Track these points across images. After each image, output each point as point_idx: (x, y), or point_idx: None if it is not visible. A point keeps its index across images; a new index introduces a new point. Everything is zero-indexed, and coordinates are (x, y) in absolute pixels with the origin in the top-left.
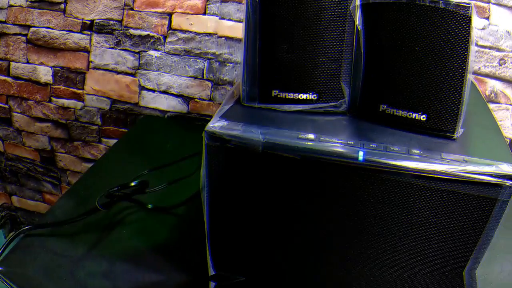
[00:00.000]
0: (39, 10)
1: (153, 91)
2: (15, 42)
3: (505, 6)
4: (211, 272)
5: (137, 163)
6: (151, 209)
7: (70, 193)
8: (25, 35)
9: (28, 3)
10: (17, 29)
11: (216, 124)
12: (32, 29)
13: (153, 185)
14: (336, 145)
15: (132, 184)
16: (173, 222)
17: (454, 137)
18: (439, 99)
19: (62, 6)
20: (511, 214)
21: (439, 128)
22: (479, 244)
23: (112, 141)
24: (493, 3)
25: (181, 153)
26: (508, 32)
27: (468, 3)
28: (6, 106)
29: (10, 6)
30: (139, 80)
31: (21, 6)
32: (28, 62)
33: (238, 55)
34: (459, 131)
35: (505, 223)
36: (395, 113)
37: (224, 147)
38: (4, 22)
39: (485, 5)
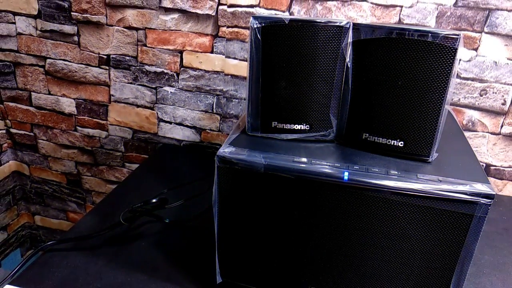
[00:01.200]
0: (52, 41)
1: (170, 123)
2: (33, 73)
3: (498, 34)
4: (218, 280)
5: (156, 184)
6: (168, 223)
7: (94, 211)
8: (43, 66)
9: (38, 32)
10: (32, 60)
11: (225, 150)
12: (48, 60)
13: (171, 201)
14: (325, 167)
15: (154, 200)
16: (186, 234)
17: (429, 161)
18: (416, 128)
19: (75, 38)
20: (494, 232)
21: (415, 153)
22: (461, 258)
23: (134, 166)
24: (486, 32)
25: (195, 176)
26: (495, 62)
27: (458, 34)
28: (32, 134)
29: (19, 34)
30: (157, 113)
31: (31, 35)
32: (50, 94)
33: (242, 92)
34: (434, 155)
35: (488, 242)
36: (375, 140)
37: (232, 168)
38: (17, 52)
39: (477, 35)
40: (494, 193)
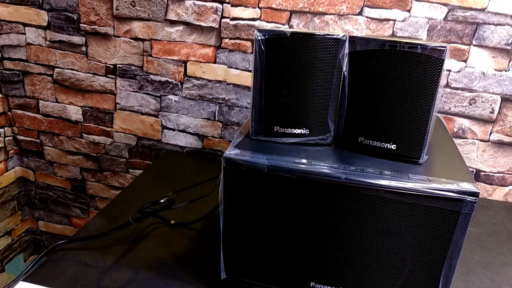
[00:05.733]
0: (61, 51)
1: (173, 130)
2: (41, 81)
3: (486, 47)
4: (223, 276)
5: (161, 188)
6: (173, 224)
7: (101, 213)
8: (51, 75)
9: (47, 42)
10: (41, 69)
11: (231, 152)
12: (56, 69)
13: (177, 203)
14: (324, 167)
15: (162, 201)
16: (191, 235)
17: (419, 162)
18: (407, 132)
19: (83, 48)
20: (484, 234)
21: (407, 155)
22: (449, 252)
23: (138, 171)
24: (474, 45)
25: (198, 180)
26: (484, 73)
27: (444, 46)
28: (38, 141)
29: (29, 44)
30: (161, 121)
31: (40, 45)
32: (57, 102)
33: (244, 100)
34: (424, 157)
35: (478, 243)
36: (370, 144)
37: (237, 169)
38: (26, 61)
39: (466, 47)
40: (479, 191)
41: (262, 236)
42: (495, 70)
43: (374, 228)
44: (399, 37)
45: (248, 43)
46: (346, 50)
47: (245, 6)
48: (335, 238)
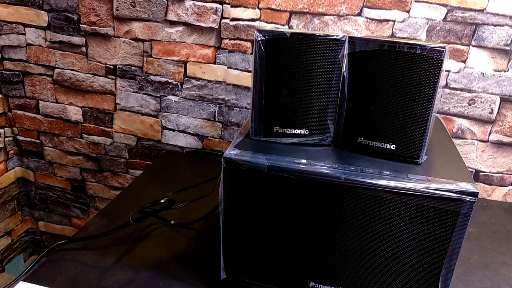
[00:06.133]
0: (61, 52)
1: (173, 130)
2: (41, 82)
3: (485, 47)
4: (223, 276)
5: (161, 189)
6: (173, 224)
7: (101, 213)
8: (51, 76)
9: (47, 43)
10: (41, 69)
11: (231, 152)
12: (56, 70)
13: (177, 203)
14: (323, 167)
15: (162, 201)
16: (191, 235)
17: (418, 163)
18: (406, 132)
19: (83, 49)
20: (483, 234)
21: (406, 155)
22: (449, 252)
23: (138, 172)
24: (473, 45)
25: (197, 181)
26: (483, 74)
27: (443, 46)
28: (38, 141)
29: (29, 44)
30: (161, 121)
31: (40, 46)
32: (57, 102)
33: (243, 101)
34: (423, 157)
35: (477, 243)
36: (369, 144)
37: (237, 169)
38: (26, 61)
39: (465, 48)
40: (478, 191)
41: (262, 236)
42: (494, 70)
43: (373, 228)
44: (399, 37)
45: (248, 44)
46: (346, 51)
47: (245, 7)
48: (335, 238)
